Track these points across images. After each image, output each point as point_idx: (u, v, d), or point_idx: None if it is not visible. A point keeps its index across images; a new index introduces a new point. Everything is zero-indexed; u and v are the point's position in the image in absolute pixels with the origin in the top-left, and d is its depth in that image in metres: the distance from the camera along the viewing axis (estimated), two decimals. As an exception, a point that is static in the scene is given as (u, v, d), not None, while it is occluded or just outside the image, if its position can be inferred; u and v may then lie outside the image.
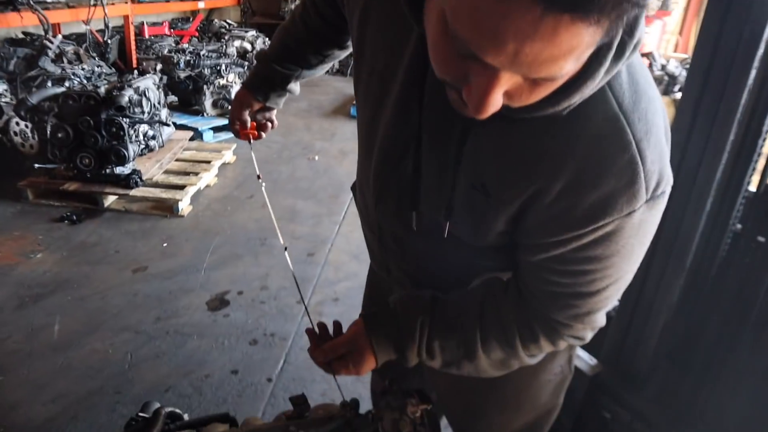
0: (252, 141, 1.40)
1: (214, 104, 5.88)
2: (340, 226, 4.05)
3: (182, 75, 5.76)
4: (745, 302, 1.45)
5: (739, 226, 1.51)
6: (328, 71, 5.90)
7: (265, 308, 2.99)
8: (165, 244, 3.56)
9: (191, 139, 5.19)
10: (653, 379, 1.65)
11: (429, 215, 0.92)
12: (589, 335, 0.92)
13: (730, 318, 1.50)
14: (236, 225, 3.91)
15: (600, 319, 0.90)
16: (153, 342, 2.66)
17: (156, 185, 4.13)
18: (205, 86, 5.80)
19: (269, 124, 1.43)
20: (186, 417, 1.21)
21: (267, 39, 8.27)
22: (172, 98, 6.04)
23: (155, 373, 2.46)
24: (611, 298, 0.85)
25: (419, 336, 0.95)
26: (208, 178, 4.46)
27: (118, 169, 3.92)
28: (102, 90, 3.74)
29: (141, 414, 1.17)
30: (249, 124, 1.37)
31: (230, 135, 5.68)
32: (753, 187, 1.48)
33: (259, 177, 1.41)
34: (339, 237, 3.88)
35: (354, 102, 7.08)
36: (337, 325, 1.09)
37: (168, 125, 4.25)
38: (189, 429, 1.11)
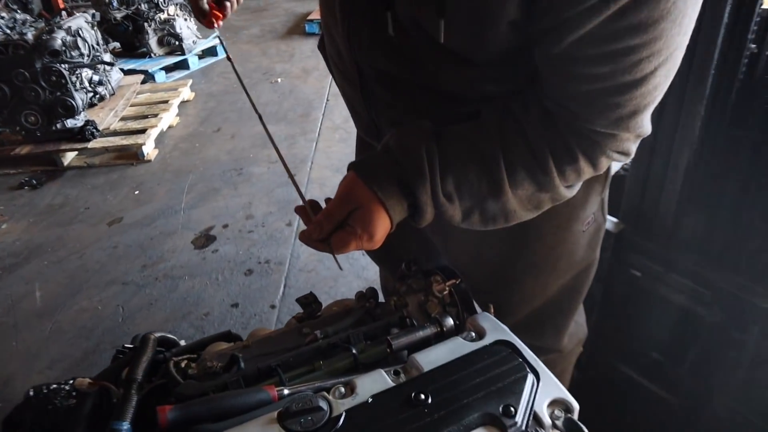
0: (217, 25, 1.23)
1: (160, 42, 5.45)
2: (316, 143, 3.83)
3: (118, 15, 5.29)
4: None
5: (753, 46, 1.34)
6: None
7: (255, 237, 2.83)
8: (137, 192, 3.34)
9: (143, 82, 4.82)
10: (681, 227, 1.52)
11: (409, 17, 0.73)
12: (633, 147, 0.75)
13: (759, 145, 1.36)
14: (208, 160, 3.67)
15: (646, 124, 0.72)
16: (143, 291, 2.50)
17: (115, 134, 3.84)
18: (145, 24, 5.34)
19: (228, 3, 1.22)
20: (183, 343, 1.06)
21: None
22: (115, 44, 5.59)
23: (151, 320, 2.32)
24: (660, 86, 0.67)
25: (428, 169, 0.73)
26: (168, 118, 4.17)
27: (70, 122, 3.62)
28: (29, 36, 3.37)
29: (128, 346, 1.01)
30: (209, 8, 1.20)
31: (185, 72, 5.31)
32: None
33: (228, 58, 1.20)
34: (318, 154, 3.68)
35: (307, 19, 6.70)
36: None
37: (112, 64, 3.91)
38: (187, 353, 0.96)
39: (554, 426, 0.72)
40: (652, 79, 0.65)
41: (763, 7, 1.31)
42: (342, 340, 0.88)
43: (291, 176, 0.93)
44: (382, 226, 0.76)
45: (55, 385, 0.84)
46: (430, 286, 1.02)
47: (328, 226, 0.77)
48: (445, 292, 1.00)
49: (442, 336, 0.87)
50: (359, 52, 0.84)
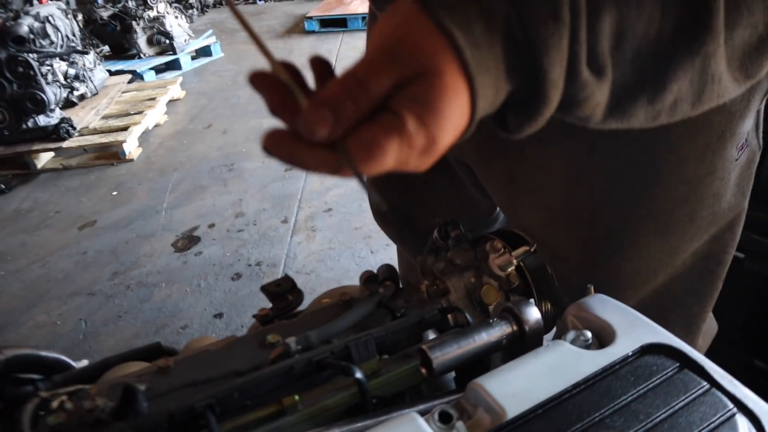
0: None
1: (150, 41, 5.11)
2: (317, 136, 3.44)
3: (104, 14, 4.96)
4: None
5: None
6: None
7: (245, 236, 2.42)
8: (114, 193, 2.95)
9: (130, 82, 4.47)
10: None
11: None
12: None
13: None
14: (196, 157, 3.29)
15: None
16: (111, 301, 2.10)
17: (94, 132, 3.47)
18: (133, 23, 5.00)
19: None
20: (83, 363, 0.65)
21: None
22: (104, 48, 5.25)
23: (118, 336, 1.92)
24: None
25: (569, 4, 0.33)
26: (155, 116, 3.80)
27: (42, 120, 3.25)
28: (-8, 23, 3.02)
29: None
30: None
31: (177, 73, 4.96)
32: None
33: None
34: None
35: (306, 17, 6.36)
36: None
37: (86, 52, 3.55)
38: (78, 382, 0.55)
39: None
40: None
41: None
42: (336, 353, 0.47)
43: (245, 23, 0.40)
44: (457, 117, 0.35)
45: None
46: (486, 260, 0.61)
47: (350, 108, 0.34)
48: (511, 269, 0.59)
49: (523, 341, 0.46)
50: None
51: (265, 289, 0.60)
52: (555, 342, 0.43)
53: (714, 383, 0.38)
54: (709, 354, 0.77)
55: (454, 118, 0.34)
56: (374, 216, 1.03)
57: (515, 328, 0.46)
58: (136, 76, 4.70)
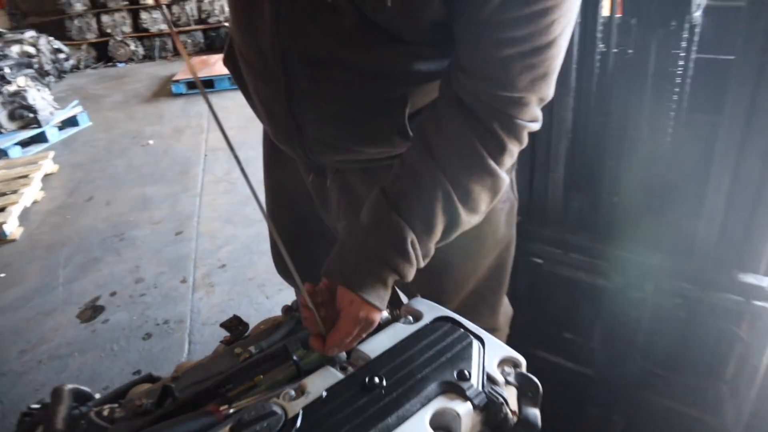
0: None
1: (11, 116, 5.02)
2: (200, 198, 3.70)
3: (-42, 92, 4.83)
4: (627, 108, 1.47)
5: (602, 45, 1.52)
6: (133, 59, 5.41)
7: (148, 299, 2.64)
8: (2, 275, 2.99)
9: (-5, 159, 4.40)
10: (569, 211, 1.65)
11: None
12: (540, 113, 0.82)
13: (621, 129, 1.52)
14: (84, 230, 3.40)
15: (553, 86, 0.79)
16: (24, 378, 2.22)
17: (-33, 217, 3.44)
18: (-9, 98, 4.92)
19: None
20: (97, 396, 0.95)
21: (51, 38, 7.28)
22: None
23: (40, 407, 2.05)
24: (563, 51, 0.75)
25: (414, 257, 0.81)
26: (31, 193, 3.82)
27: None
28: None
29: (34, 406, 0.89)
30: None
31: (44, 145, 4.92)
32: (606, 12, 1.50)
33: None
34: (203, 208, 3.55)
35: (173, 80, 6.53)
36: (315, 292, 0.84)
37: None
38: (107, 403, 0.85)
39: (507, 382, 0.74)
40: (560, 41, 0.73)
41: (603, 15, 1.49)
42: (279, 350, 0.84)
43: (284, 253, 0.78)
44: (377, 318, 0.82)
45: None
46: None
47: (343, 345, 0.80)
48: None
49: (378, 328, 0.86)
50: (290, 36, 0.83)
51: (224, 325, 0.95)
52: (392, 324, 0.83)
53: (466, 329, 0.80)
54: (532, 331, 1.28)
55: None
56: (279, 273, 1.41)
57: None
58: (1, 153, 4.62)
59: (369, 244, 0.79)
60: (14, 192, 3.72)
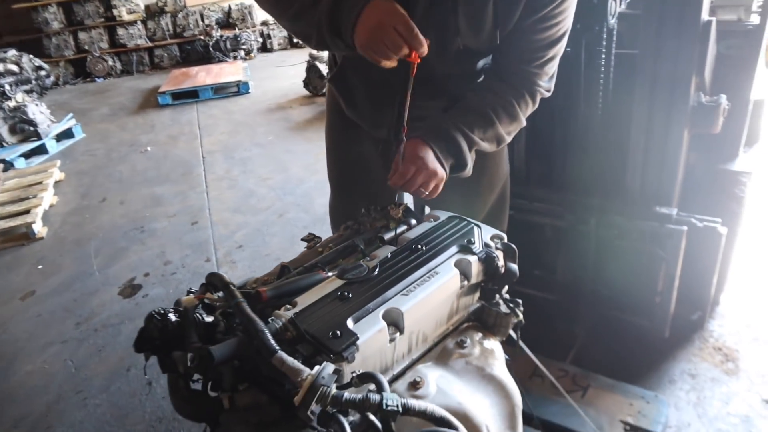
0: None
1: (12, 130, 5.34)
2: (207, 194, 4.11)
3: (-40, 109, 5.12)
4: (570, 91, 1.96)
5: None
6: (111, 74, 5.79)
7: (179, 277, 3.05)
8: (40, 266, 3.36)
9: (4, 170, 4.71)
10: (531, 170, 2.15)
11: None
12: (551, 85, 1.35)
13: (563, 109, 2.02)
14: (105, 226, 3.78)
15: (555, 66, 1.32)
16: (86, 342, 2.62)
17: (-5, 220, 3.78)
18: (-7, 115, 5.22)
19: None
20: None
21: (32, 56, 7.52)
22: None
23: (106, 364, 2.46)
24: (564, 42, 1.28)
25: (467, 145, 1.30)
26: (48, 197, 4.17)
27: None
28: None
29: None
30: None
31: (44, 157, 5.24)
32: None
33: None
34: (212, 202, 3.96)
35: (159, 92, 6.89)
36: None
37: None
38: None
39: (497, 248, 1.22)
40: (565, 36, 1.26)
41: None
42: (349, 245, 1.30)
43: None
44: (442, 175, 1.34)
45: (165, 309, 1.13)
46: (388, 214, 1.48)
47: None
48: (399, 215, 1.46)
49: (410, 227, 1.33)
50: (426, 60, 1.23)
51: (304, 238, 1.41)
52: (423, 223, 1.31)
53: (468, 221, 1.28)
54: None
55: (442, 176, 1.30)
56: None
57: (408, 226, 1.34)
58: (6, 164, 4.94)
59: (441, 132, 1.30)
60: (34, 196, 4.07)
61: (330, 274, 1.18)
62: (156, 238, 3.52)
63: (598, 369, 1.93)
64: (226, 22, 9.71)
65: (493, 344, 1.22)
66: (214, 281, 1.18)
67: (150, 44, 9.32)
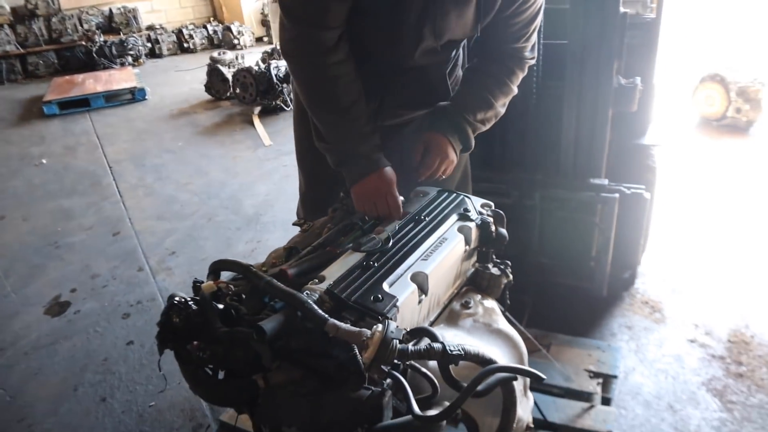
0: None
1: None
2: (123, 203, 3.91)
3: None
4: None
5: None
6: None
7: (112, 289, 2.89)
8: (-59, 294, 3.01)
9: None
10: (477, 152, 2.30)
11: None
12: (534, 53, 1.51)
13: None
14: (11, 245, 3.47)
15: (535, 37, 1.47)
16: (17, 368, 2.40)
17: None
18: None
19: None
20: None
21: None
22: None
23: (47, 387, 2.28)
24: (541, 14, 1.43)
25: (470, 128, 1.49)
26: (-67, 219, 3.74)
27: None
28: None
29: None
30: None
31: None
32: None
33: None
34: (131, 211, 3.77)
35: (44, 101, 6.36)
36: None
37: None
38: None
39: (488, 215, 1.33)
40: (542, 9, 1.41)
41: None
42: (347, 224, 1.35)
43: None
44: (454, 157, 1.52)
45: (184, 297, 1.11)
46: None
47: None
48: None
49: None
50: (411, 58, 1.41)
51: (296, 223, 1.44)
52: (416, 197, 1.39)
53: (462, 195, 1.38)
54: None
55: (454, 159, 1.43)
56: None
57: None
58: None
59: (448, 118, 1.47)
60: None
61: (339, 250, 1.23)
62: (75, 253, 3.29)
63: (551, 330, 2.12)
64: (109, 26, 9.15)
65: (491, 303, 1.34)
66: (227, 267, 1.19)
67: (21, 51, 8.54)
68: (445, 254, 1.17)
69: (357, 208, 1.40)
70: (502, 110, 1.55)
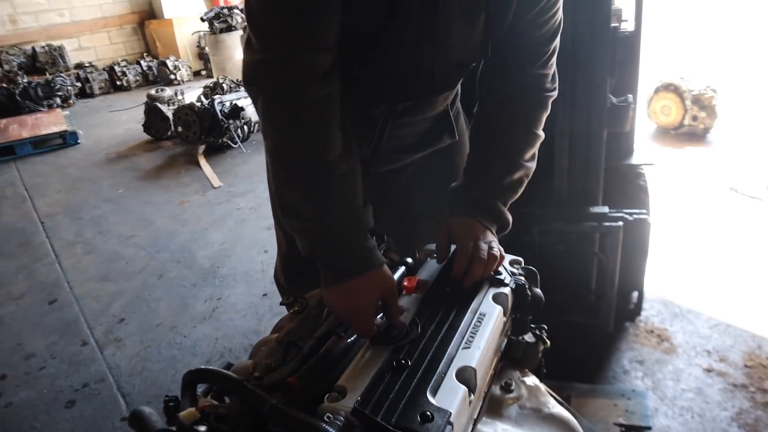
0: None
1: None
2: (59, 264, 3.48)
3: None
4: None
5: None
6: None
7: (51, 371, 2.49)
8: None
9: None
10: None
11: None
12: (555, 85, 1.23)
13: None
14: (-74, 326, 2.99)
15: (554, 63, 1.20)
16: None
17: None
18: None
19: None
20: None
21: None
22: None
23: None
24: (559, 33, 1.16)
25: (504, 213, 1.20)
26: None
27: None
28: None
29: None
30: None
31: None
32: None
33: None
34: (69, 273, 3.36)
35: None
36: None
37: None
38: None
39: (520, 274, 1.11)
40: (561, 25, 1.15)
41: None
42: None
43: None
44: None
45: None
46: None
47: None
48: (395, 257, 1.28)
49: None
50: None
51: (284, 303, 1.17)
52: (427, 262, 1.15)
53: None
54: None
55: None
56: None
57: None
58: None
59: (468, 195, 1.19)
60: None
61: (350, 340, 0.98)
62: (4, 329, 2.86)
63: (562, 375, 1.91)
64: (33, 66, 8.56)
65: (533, 379, 1.11)
66: (208, 379, 0.91)
67: (-69, 95, 7.85)
68: (488, 336, 0.93)
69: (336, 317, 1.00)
70: (533, 165, 1.22)
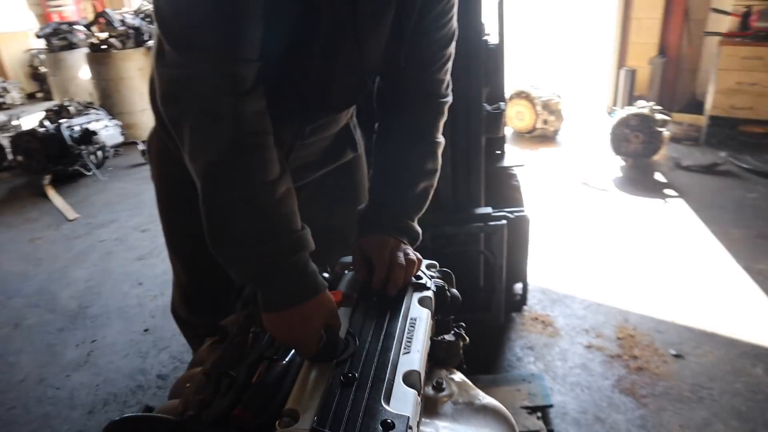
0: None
1: None
2: None
3: None
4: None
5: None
6: None
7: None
8: None
9: None
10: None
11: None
12: (450, 92, 1.23)
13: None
14: None
15: (450, 71, 1.20)
16: None
17: None
18: None
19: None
20: None
21: None
22: None
23: None
24: (454, 41, 1.17)
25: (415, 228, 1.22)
26: None
27: None
28: None
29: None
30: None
31: None
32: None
33: None
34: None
35: None
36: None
37: None
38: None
39: (437, 276, 1.16)
40: (456, 33, 1.16)
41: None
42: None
43: None
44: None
45: None
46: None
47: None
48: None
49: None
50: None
51: (209, 333, 1.10)
52: (345, 275, 1.15)
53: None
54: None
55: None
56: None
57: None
58: None
59: (385, 220, 1.18)
60: None
61: (284, 361, 0.95)
62: None
63: (470, 371, 2.01)
64: None
65: (459, 375, 1.16)
66: (142, 428, 0.83)
67: None
68: (422, 338, 0.96)
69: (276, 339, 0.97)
70: (436, 173, 1.25)
